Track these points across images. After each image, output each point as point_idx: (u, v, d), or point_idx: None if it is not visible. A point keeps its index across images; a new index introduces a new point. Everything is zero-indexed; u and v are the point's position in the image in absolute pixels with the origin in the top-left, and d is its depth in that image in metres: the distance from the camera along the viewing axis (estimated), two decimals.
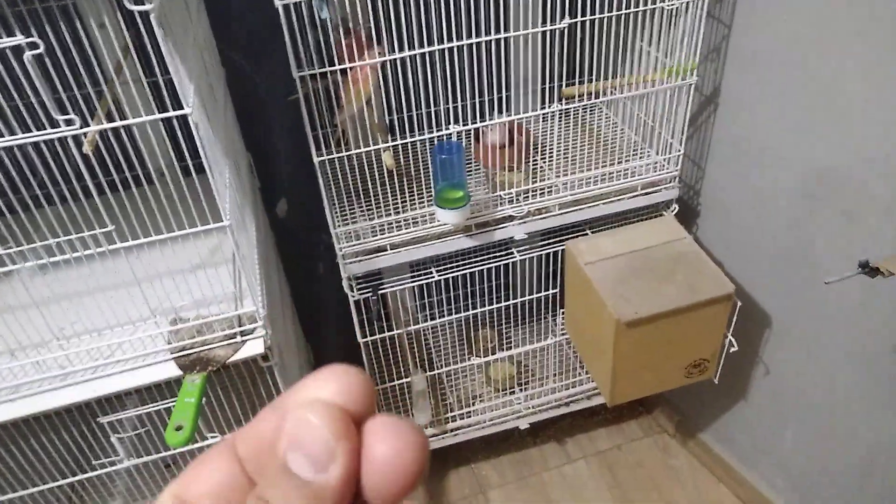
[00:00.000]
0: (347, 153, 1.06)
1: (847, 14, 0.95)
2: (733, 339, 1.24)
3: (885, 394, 1.10)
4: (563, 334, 1.53)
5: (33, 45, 0.64)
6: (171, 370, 0.96)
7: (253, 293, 0.97)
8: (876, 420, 1.14)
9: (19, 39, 0.64)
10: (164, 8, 0.71)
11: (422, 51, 0.99)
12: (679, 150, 1.24)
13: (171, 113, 0.73)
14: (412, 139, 1.08)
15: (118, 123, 0.73)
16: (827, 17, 0.99)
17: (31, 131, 0.71)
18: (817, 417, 1.28)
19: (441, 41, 1.01)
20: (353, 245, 1.16)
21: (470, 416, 1.59)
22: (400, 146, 1.11)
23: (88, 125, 0.75)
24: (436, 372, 1.56)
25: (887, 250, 0.99)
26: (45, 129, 0.71)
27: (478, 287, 1.43)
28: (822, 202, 1.10)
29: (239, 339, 0.96)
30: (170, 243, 0.94)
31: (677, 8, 1.08)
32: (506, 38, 1.07)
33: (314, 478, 0.19)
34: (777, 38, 1.08)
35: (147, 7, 0.64)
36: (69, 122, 0.70)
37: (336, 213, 1.16)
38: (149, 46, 0.69)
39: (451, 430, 1.58)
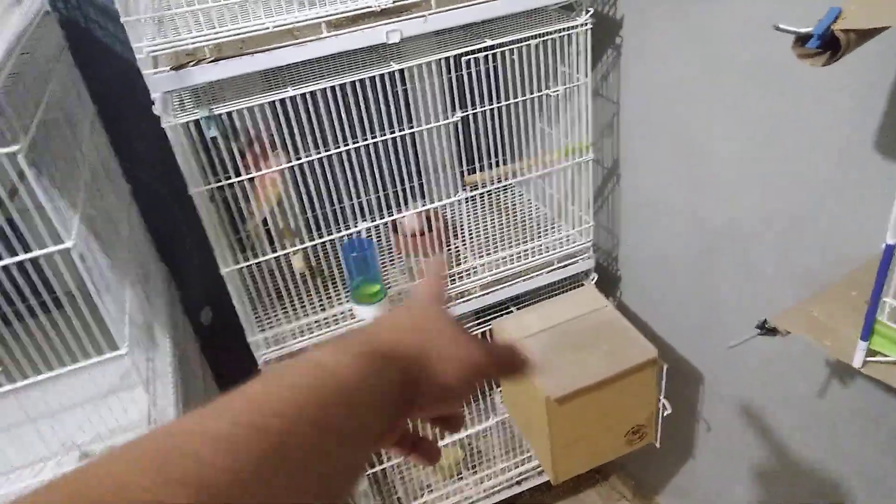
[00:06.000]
0: (255, 261, 1.05)
1: (708, 85, 1.02)
2: (666, 403, 1.25)
3: (816, 439, 1.11)
4: (505, 413, 1.51)
5: None
6: None
7: (167, 417, 0.93)
8: (813, 465, 1.15)
9: None
10: (39, 145, 0.71)
11: (323, 154, 1.01)
12: (589, 222, 1.27)
13: (52, 248, 0.71)
14: (319, 241, 1.08)
15: None
16: (692, 87, 1.05)
17: None
18: (760, 469, 1.28)
19: (344, 142, 1.03)
20: (274, 350, 1.13)
21: None
22: (317, 244, 1.11)
23: None
24: (379, 468, 1.51)
25: (788, 301, 1.02)
26: None
27: None
28: (723, 257, 1.14)
29: None
30: (76, 373, 0.90)
31: (564, 92, 1.14)
32: (412, 133, 1.09)
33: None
34: (658, 110, 1.15)
35: (13, 149, 0.64)
36: None
37: (253, 320, 1.14)
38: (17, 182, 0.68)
39: None
